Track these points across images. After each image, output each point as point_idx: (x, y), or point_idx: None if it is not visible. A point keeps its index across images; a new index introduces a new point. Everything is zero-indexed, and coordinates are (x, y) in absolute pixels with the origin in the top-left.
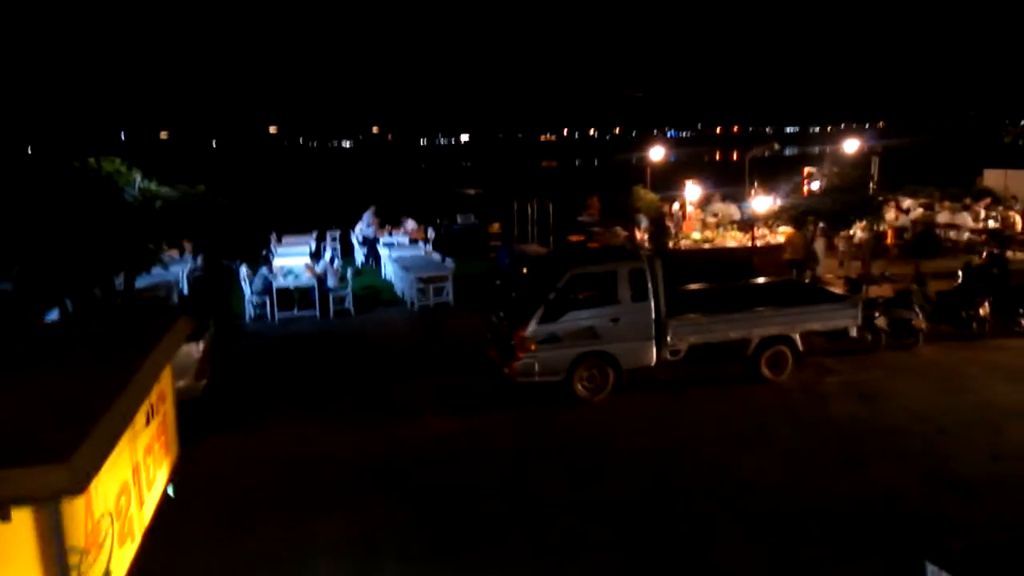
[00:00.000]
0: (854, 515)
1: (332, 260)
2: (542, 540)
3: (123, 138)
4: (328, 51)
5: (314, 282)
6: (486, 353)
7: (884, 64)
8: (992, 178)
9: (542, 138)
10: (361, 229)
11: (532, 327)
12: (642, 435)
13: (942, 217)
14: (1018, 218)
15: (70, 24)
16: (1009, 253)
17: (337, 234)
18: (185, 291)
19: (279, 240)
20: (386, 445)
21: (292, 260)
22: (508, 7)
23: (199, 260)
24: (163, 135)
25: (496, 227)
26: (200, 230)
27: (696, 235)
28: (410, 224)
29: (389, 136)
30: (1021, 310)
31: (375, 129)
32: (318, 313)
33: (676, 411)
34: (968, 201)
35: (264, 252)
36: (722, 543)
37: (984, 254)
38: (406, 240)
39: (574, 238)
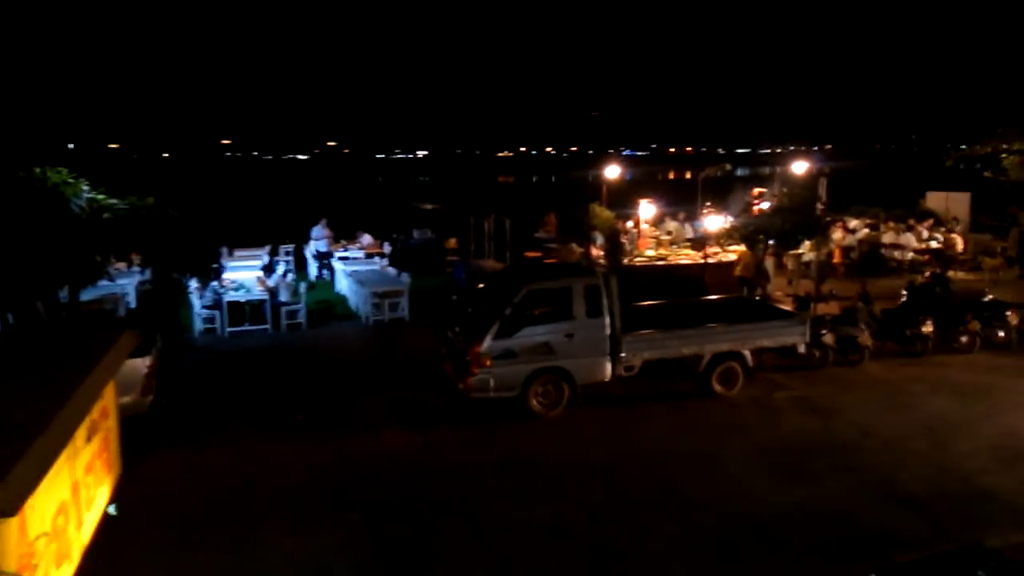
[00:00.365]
0: (803, 529)
1: (285, 274)
2: (495, 558)
3: (71, 148)
4: (284, 63)
5: (266, 296)
6: (441, 368)
7: (832, 88)
8: (934, 200)
9: (500, 154)
10: (314, 243)
11: (488, 343)
12: (596, 450)
13: (887, 237)
14: (959, 239)
15: (15, 30)
16: (951, 273)
17: (291, 248)
18: (133, 305)
19: (231, 253)
20: (339, 461)
21: (244, 274)
22: (468, 24)
23: (148, 273)
24: (113, 146)
25: (453, 242)
26: (149, 243)
27: (650, 252)
28: (366, 238)
29: (345, 150)
30: (962, 328)
31: (331, 142)
32: (270, 327)
33: (630, 426)
34: (912, 222)
35: (215, 265)
36: (672, 558)
37: (927, 274)
38: (361, 254)
39: (531, 254)
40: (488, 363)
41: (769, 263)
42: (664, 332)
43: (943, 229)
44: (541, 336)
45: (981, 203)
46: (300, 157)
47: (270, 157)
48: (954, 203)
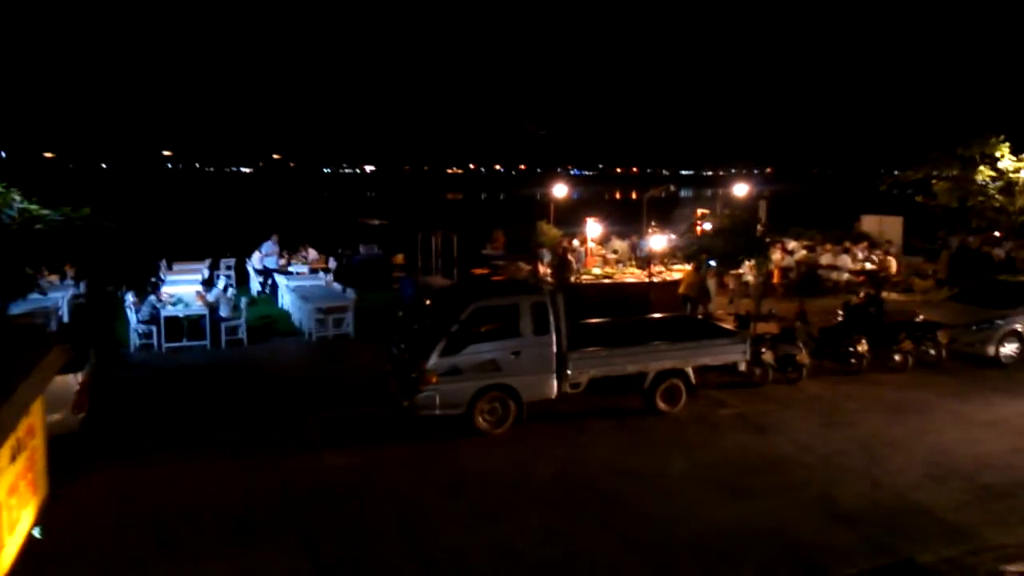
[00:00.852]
0: (743, 545)
1: (225, 288)
2: None
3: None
4: (230, 74)
5: (205, 311)
6: (386, 386)
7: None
8: (869, 223)
9: (448, 171)
10: (261, 258)
11: (434, 359)
12: (541, 468)
13: (824, 259)
14: (892, 261)
15: None
16: (884, 293)
17: (232, 262)
18: (65, 319)
19: (169, 267)
20: (279, 481)
21: (183, 288)
22: (418, 41)
23: (82, 286)
24: (48, 155)
25: (400, 258)
26: (83, 255)
27: (597, 270)
28: (311, 253)
29: (291, 163)
30: (895, 347)
31: (276, 155)
32: (209, 343)
33: (575, 443)
34: (848, 244)
35: (152, 279)
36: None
37: (862, 294)
38: (305, 269)
39: (478, 271)
40: (434, 380)
41: (712, 283)
42: (610, 350)
43: (877, 251)
44: (488, 353)
45: (913, 227)
46: (244, 170)
47: (212, 169)
48: (887, 226)
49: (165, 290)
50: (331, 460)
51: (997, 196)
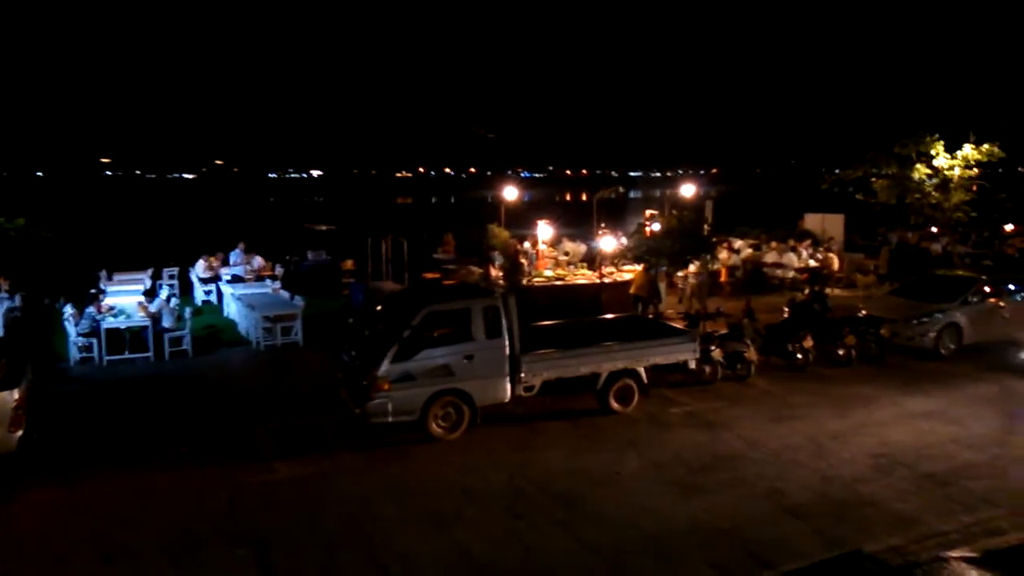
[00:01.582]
0: (697, 542)
1: (168, 298)
2: None
3: None
4: (170, 78)
5: (148, 322)
6: (337, 394)
7: (717, 116)
8: (812, 221)
9: (397, 175)
10: (227, 268)
11: (385, 366)
12: (496, 472)
13: (769, 257)
14: (835, 258)
15: None
16: (828, 290)
17: (175, 271)
18: (0, 333)
19: (110, 277)
20: (228, 494)
21: (124, 299)
22: (365, 45)
23: (17, 299)
24: None
25: (349, 264)
26: (18, 266)
27: (548, 272)
28: (257, 260)
29: (235, 168)
30: (839, 342)
31: (219, 161)
32: (152, 355)
33: (529, 446)
34: (792, 242)
35: (92, 290)
36: None
37: (806, 291)
38: (251, 277)
39: (429, 275)
40: (386, 387)
41: (663, 283)
42: (563, 351)
43: (820, 249)
44: (440, 358)
45: (854, 224)
46: (186, 176)
47: (153, 176)
48: (830, 224)
49: (105, 301)
50: (281, 470)
51: (933, 193)
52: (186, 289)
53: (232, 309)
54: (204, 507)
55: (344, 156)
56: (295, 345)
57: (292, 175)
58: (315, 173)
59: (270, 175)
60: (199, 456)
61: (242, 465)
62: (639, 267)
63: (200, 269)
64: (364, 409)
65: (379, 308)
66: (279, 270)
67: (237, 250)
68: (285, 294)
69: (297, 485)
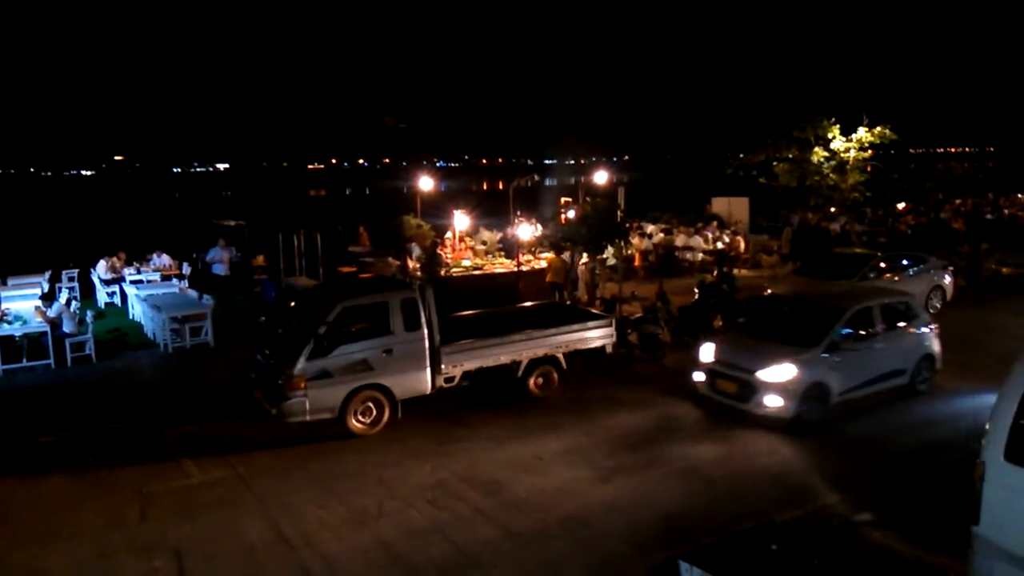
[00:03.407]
0: (619, 522)
1: (68, 302)
2: None
3: None
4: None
5: (47, 327)
6: (252, 394)
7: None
8: (719, 205)
9: (309, 167)
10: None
11: (301, 364)
12: (419, 465)
13: (679, 240)
14: (741, 240)
15: None
16: (736, 271)
17: (75, 272)
18: None
19: (3, 282)
20: (142, 503)
21: (20, 304)
22: (273, 36)
23: None
24: None
25: (261, 260)
26: None
27: (466, 262)
28: (163, 259)
29: (136, 164)
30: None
31: (119, 156)
32: (53, 363)
33: (452, 438)
34: (700, 226)
35: None
36: (494, 566)
37: (715, 273)
38: (157, 277)
39: (345, 269)
40: (302, 385)
41: (581, 268)
42: (482, 341)
43: (727, 231)
44: (358, 353)
45: (758, 207)
46: (84, 173)
47: (49, 173)
48: (735, 207)
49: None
50: (195, 475)
51: (831, 175)
52: (88, 291)
53: (137, 311)
54: (115, 518)
55: (253, 148)
56: (206, 346)
57: (198, 169)
58: (222, 167)
59: (175, 169)
60: (108, 465)
61: (154, 472)
62: (553, 255)
63: (102, 270)
64: (280, 409)
65: (293, 304)
66: (186, 268)
67: (216, 247)
68: (193, 293)
69: (212, 489)
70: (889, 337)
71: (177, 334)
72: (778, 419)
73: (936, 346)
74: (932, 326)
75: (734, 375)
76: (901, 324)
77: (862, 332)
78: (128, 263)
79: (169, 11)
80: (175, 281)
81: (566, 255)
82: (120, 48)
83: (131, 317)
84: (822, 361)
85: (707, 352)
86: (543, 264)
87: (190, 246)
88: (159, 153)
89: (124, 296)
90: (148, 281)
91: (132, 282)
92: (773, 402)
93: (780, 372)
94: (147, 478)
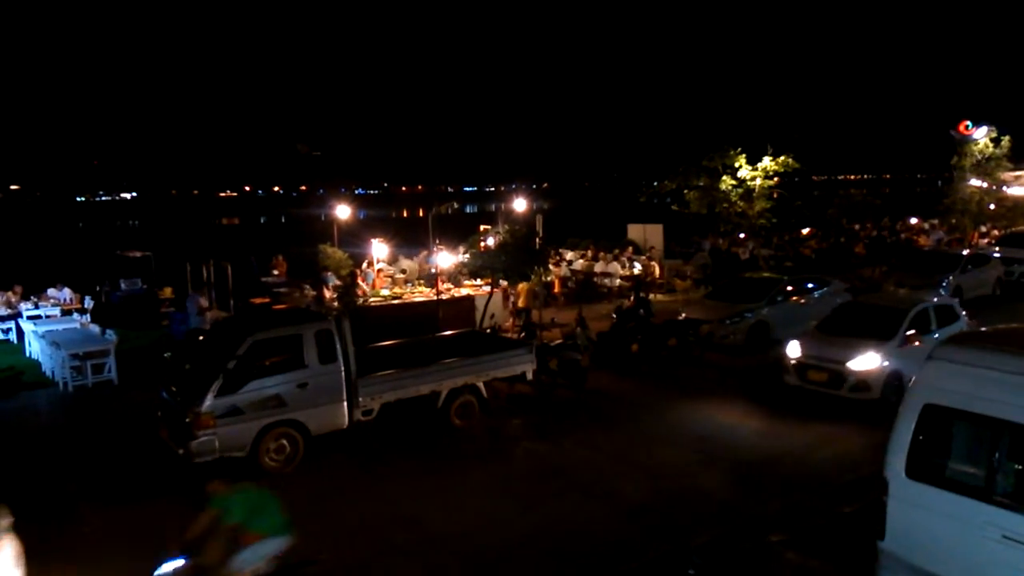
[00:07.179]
0: (541, 551)
1: None
2: None
3: None
4: None
5: None
6: (157, 434)
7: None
8: (634, 231)
9: (221, 194)
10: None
11: (209, 401)
12: (335, 504)
13: (598, 266)
14: (656, 265)
15: None
16: (652, 296)
17: None
18: None
19: None
20: (40, 559)
21: None
22: (182, 58)
23: None
24: None
25: (168, 292)
26: None
27: (385, 291)
28: (64, 293)
29: (36, 192)
30: (664, 345)
31: (15, 186)
32: None
33: (371, 472)
34: (617, 252)
35: None
36: None
37: (632, 298)
38: (57, 312)
39: (258, 300)
40: (211, 423)
41: (497, 296)
42: (401, 372)
43: (643, 257)
44: (271, 388)
45: (671, 233)
46: None
47: None
48: (651, 233)
49: None
50: (96, 524)
51: (739, 202)
52: None
53: (35, 348)
54: None
55: (161, 176)
56: (108, 383)
57: (103, 198)
58: (128, 196)
59: (78, 199)
60: None
61: (48, 524)
62: (480, 282)
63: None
64: (188, 448)
65: (201, 339)
66: (88, 302)
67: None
68: (96, 328)
69: (115, 540)
70: (943, 333)
71: (78, 372)
72: (867, 401)
73: None
74: (972, 321)
75: (825, 366)
76: (949, 322)
77: (923, 328)
78: (25, 297)
79: (70, 31)
80: (76, 316)
81: (534, 282)
82: (12, 70)
83: (27, 355)
84: (897, 352)
85: (794, 348)
86: (464, 292)
87: (93, 278)
88: (61, 182)
89: (21, 332)
90: (47, 316)
91: (29, 317)
92: (862, 387)
93: (867, 361)
94: (43, 529)
